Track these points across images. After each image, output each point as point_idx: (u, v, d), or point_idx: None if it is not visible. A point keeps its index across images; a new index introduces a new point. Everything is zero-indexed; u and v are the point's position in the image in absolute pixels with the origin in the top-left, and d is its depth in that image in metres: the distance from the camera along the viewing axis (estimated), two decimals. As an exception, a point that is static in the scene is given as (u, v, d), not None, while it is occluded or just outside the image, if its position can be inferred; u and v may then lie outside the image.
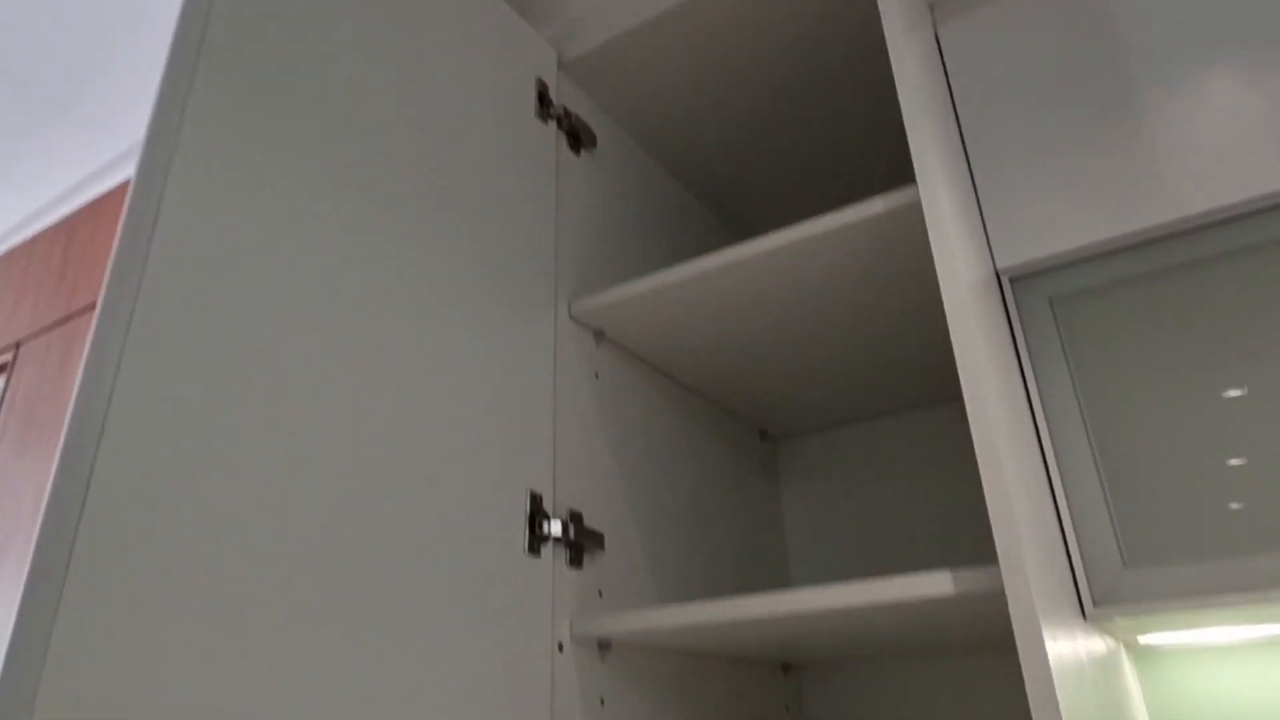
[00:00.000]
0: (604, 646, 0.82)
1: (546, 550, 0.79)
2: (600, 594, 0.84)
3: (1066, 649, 0.62)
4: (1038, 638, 0.56)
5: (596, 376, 0.95)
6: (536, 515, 0.79)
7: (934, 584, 0.63)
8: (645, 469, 0.98)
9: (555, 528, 0.79)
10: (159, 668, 0.47)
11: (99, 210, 1.12)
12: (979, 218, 0.87)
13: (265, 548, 0.55)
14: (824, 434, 1.31)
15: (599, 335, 0.97)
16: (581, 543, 0.82)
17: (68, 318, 1.12)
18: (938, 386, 1.18)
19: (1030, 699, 0.55)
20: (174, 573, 0.49)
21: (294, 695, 0.54)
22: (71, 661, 0.43)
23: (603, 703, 0.80)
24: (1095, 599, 0.73)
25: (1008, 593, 0.58)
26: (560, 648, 0.77)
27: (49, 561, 0.44)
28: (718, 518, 1.11)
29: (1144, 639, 0.95)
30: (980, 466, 0.61)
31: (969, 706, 1.07)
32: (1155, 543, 0.72)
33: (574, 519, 0.82)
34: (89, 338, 0.49)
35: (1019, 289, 0.85)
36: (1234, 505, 0.70)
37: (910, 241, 0.83)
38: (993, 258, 0.87)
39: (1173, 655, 0.99)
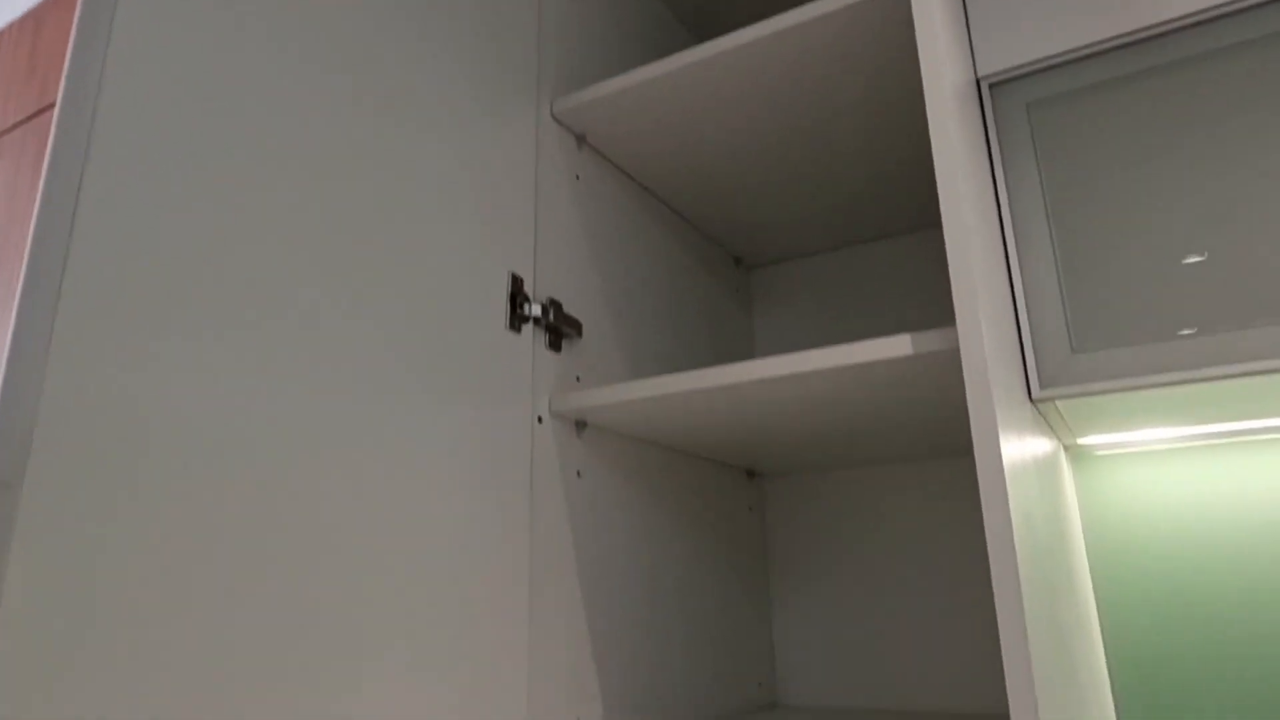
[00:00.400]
0: (581, 425, 0.87)
1: (527, 330, 0.82)
2: (578, 379, 0.88)
3: (1015, 447, 0.66)
4: (988, 401, 0.60)
5: (577, 179, 0.96)
6: (517, 296, 0.81)
7: (894, 346, 0.67)
8: (623, 274, 1.01)
9: (535, 309, 0.83)
10: (154, 383, 0.50)
11: (65, -3, 1.08)
12: (964, 22, 0.87)
13: (253, 301, 0.57)
14: (797, 262, 1.34)
15: (580, 139, 0.98)
16: (560, 327, 0.85)
17: (40, 111, 1.10)
18: (910, 212, 1.20)
19: (980, 473, 0.59)
20: (163, 319, 0.51)
21: (284, 418, 0.57)
22: (69, 377, 0.46)
23: (579, 475, 0.85)
24: (1042, 381, 0.78)
25: (962, 351, 0.62)
26: (540, 420, 0.81)
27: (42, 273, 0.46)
28: (692, 334, 1.15)
29: (1083, 440, 1.02)
30: (946, 237, 0.64)
31: (921, 511, 1.15)
32: (1103, 330, 0.77)
33: (553, 304, 0.85)
34: (50, 137, 0.50)
35: (998, 94, 0.86)
36: (1180, 295, 0.74)
37: (893, 34, 0.84)
38: (974, 64, 0.87)
39: (1107, 460, 1.07)
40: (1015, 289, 0.81)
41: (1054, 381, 0.77)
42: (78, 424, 0.45)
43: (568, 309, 0.89)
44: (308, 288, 0.61)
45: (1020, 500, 0.63)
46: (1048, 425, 0.92)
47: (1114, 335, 0.76)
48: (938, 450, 1.11)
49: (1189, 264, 0.74)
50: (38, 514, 0.43)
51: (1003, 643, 0.55)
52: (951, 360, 0.69)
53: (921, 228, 1.25)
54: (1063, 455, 1.03)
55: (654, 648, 0.92)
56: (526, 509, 0.78)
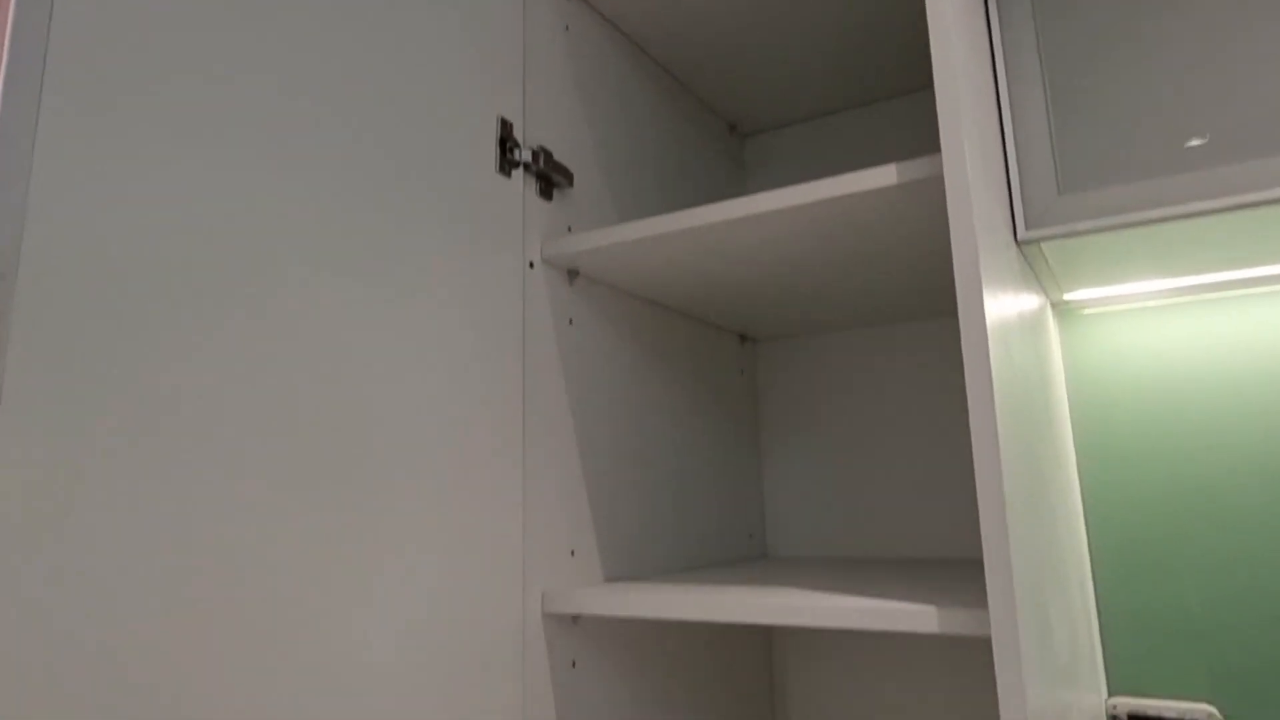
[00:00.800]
0: (573, 274, 0.88)
1: (517, 175, 0.82)
2: (570, 230, 0.89)
3: (998, 292, 0.67)
4: (970, 231, 0.60)
5: (567, 29, 0.94)
6: (507, 140, 0.81)
7: (880, 176, 0.68)
8: (616, 132, 1.00)
9: (525, 155, 0.82)
10: (144, 191, 0.51)
11: None
12: None
13: (239, 134, 0.57)
14: (792, 129, 1.32)
15: (569, -12, 0.96)
16: (550, 175, 0.85)
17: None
18: (911, 72, 1.19)
19: (961, 311, 0.60)
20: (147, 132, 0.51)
21: (275, 253, 0.58)
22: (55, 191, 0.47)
23: (571, 323, 0.87)
24: (1028, 222, 0.78)
25: (946, 177, 0.62)
26: (531, 265, 0.82)
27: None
28: (685, 200, 1.15)
29: (1070, 296, 1.04)
30: (934, 60, 0.63)
31: (907, 372, 1.18)
32: (1090, 171, 0.77)
33: (543, 151, 0.85)
34: None
35: (997, -68, 0.84)
36: (1169, 135, 0.74)
37: None
38: (975, -99, 0.85)
39: (1093, 318, 1.08)
40: (1005, 134, 0.80)
41: (1040, 222, 0.78)
42: (68, 217, 0.46)
43: (558, 160, 0.88)
44: (296, 127, 0.60)
45: (1001, 346, 0.65)
46: (1035, 279, 0.93)
47: (1100, 176, 0.76)
48: (926, 311, 1.13)
49: (1180, 104, 0.74)
50: (34, 304, 0.45)
51: (979, 494, 0.57)
52: (937, 193, 0.69)
53: (922, 89, 1.23)
54: (1050, 313, 1.04)
55: (648, 495, 0.96)
56: (519, 353, 0.80)
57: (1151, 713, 0.93)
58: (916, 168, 0.66)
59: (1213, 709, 0.92)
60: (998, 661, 0.55)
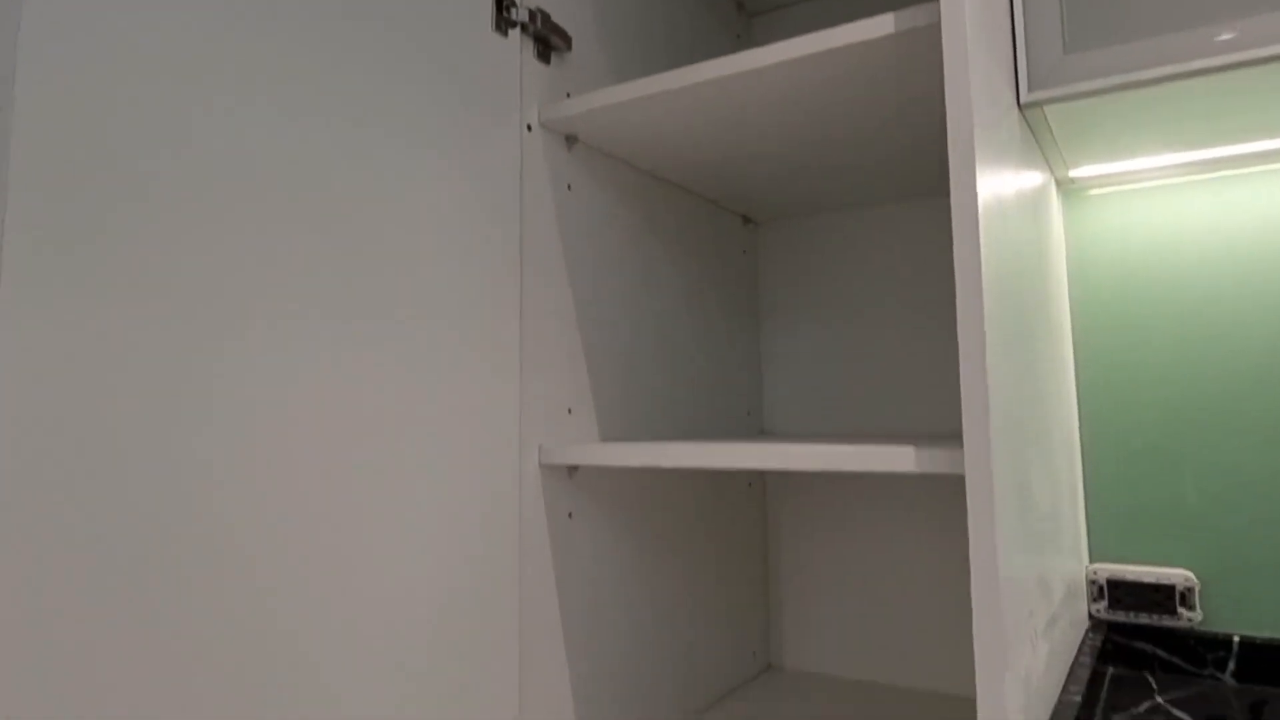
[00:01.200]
0: (571, 140, 0.88)
1: (514, 34, 0.81)
2: (568, 96, 0.88)
3: (994, 159, 0.66)
4: (964, 81, 0.60)
5: (567, -113, 0.91)
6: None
7: (877, 26, 0.66)
8: (613, 9, 0.98)
9: (522, 14, 0.81)
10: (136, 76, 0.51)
11: None
12: None
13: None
14: (800, 7, 1.29)
15: None
16: (548, 37, 0.84)
17: None
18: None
19: (951, 170, 0.59)
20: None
21: (242, 69, 0.59)
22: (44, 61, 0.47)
23: (570, 188, 0.87)
24: (1032, 84, 0.77)
25: (944, 23, 0.61)
26: (529, 128, 0.82)
27: None
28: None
29: (1075, 173, 1.02)
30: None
31: (904, 253, 1.17)
32: (1096, 29, 0.75)
33: (541, 13, 0.83)
34: None
35: None
36: (1181, -12, 0.72)
37: None
38: None
39: (1098, 198, 1.07)
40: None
41: (1044, 83, 0.77)
42: (61, 50, 0.47)
43: (556, 23, 0.87)
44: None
45: (997, 215, 0.64)
46: (1039, 152, 0.92)
47: (1108, 33, 0.75)
48: (928, 190, 1.12)
49: (1197, -43, 0.72)
50: (31, 133, 0.46)
51: (960, 341, 0.58)
52: (935, 45, 0.68)
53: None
54: (1054, 192, 1.03)
55: (646, 365, 0.97)
56: (516, 213, 0.80)
57: (1130, 577, 0.96)
58: (914, 15, 0.65)
59: (1189, 573, 0.95)
60: (970, 498, 0.57)
